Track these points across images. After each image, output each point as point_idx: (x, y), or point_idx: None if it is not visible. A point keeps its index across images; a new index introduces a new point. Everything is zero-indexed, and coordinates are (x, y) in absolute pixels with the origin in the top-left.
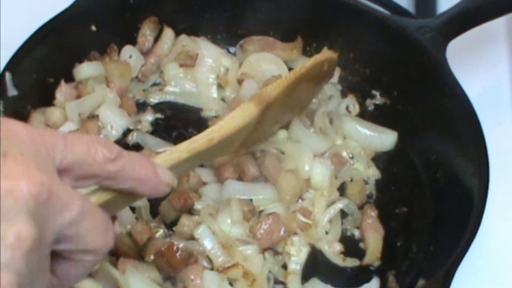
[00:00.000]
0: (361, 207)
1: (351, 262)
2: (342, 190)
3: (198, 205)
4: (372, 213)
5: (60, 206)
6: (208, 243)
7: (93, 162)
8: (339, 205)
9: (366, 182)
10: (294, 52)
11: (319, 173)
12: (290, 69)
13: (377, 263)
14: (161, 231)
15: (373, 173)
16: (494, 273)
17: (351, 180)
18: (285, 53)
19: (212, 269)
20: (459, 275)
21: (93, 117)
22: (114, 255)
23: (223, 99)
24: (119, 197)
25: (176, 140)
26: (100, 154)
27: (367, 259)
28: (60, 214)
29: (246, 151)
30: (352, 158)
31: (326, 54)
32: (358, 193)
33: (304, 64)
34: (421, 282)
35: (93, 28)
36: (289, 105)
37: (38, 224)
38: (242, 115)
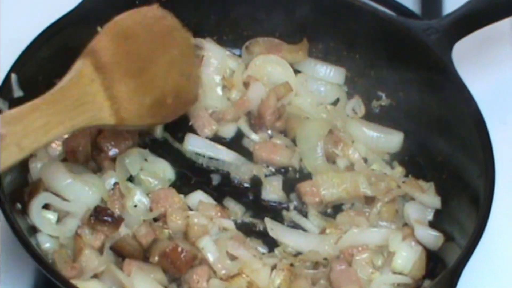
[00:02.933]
0: None
1: None
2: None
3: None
4: None
5: None
6: (211, 256)
7: None
8: None
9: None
10: (300, 54)
11: (404, 256)
12: (296, 71)
13: None
14: (165, 233)
15: (398, 171)
16: (500, 273)
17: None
18: (291, 55)
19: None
20: (466, 275)
21: None
22: (120, 256)
23: (228, 100)
24: None
25: (182, 140)
26: None
27: None
28: None
29: (132, 123)
30: (366, 162)
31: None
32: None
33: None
34: (427, 282)
35: (99, 29)
36: (144, 67)
37: None
38: (72, 69)
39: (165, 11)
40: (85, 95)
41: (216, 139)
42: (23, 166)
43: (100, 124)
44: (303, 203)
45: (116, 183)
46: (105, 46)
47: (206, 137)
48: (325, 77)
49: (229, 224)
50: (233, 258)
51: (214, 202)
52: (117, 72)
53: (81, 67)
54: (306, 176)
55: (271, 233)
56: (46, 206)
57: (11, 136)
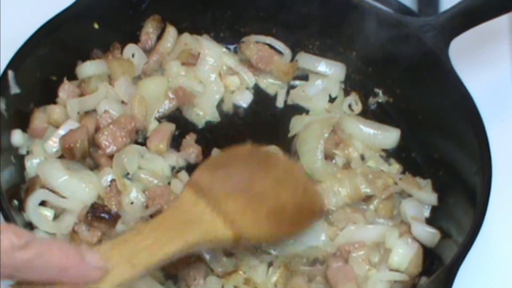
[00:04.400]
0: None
1: None
2: None
3: None
4: None
5: None
6: (207, 253)
7: None
8: None
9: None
10: (287, 76)
11: (401, 254)
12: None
13: None
14: None
15: (395, 167)
16: (496, 271)
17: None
18: (278, 72)
19: (212, 270)
20: (462, 273)
21: (90, 112)
22: None
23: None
24: None
25: (179, 137)
26: (6, 241)
27: None
28: None
29: (256, 242)
30: (363, 159)
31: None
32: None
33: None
34: (424, 279)
35: (96, 26)
36: (248, 183)
37: None
38: (177, 198)
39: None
40: (191, 215)
41: None
42: (19, 163)
43: (217, 240)
44: None
45: (112, 180)
46: (202, 176)
47: None
48: (325, 73)
49: None
50: (229, 255)
51: None
52: (220, 193)
53: (182, 195)
54: None
55: None
56: (42, 203)
57: (117, 256)
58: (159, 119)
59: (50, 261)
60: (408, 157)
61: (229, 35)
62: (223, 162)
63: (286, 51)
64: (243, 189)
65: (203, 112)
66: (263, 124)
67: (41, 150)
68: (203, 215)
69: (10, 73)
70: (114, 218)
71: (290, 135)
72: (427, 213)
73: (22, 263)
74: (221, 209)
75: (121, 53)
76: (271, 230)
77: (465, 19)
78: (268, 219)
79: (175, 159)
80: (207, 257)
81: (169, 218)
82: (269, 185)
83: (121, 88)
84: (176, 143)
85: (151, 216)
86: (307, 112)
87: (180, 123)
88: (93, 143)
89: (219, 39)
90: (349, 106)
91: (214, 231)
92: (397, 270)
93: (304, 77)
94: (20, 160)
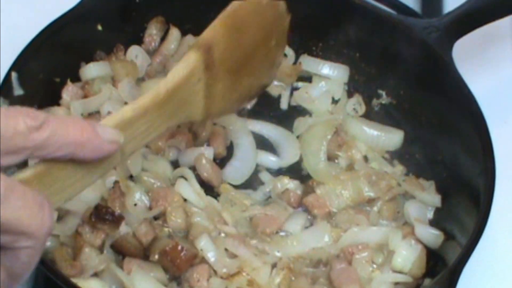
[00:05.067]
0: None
1: None
2: None
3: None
4: None
5: None
6: (211, 256)
7: (14, 133)
8: None
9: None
10: (290, 78)
11: (404, 255)
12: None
13: None
14: (166, 231)
15: (399, 169)
16: (500, 272)
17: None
18: (281, 75)
19: (215, 272)
20: (465, 274)
21: (94, 113)
22: (120, 255)
23: None
24: (63, 169)
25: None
26: (22, 124)
27: None
28: None
29: (214, 120)
30: (366, 160)
31: None
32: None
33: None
34: (427, 281)
35: (99, 27)
36: (244, 63)
37: None
38: (184, 64)
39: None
40: (190, 95)
41: None
42: (23, 164)
43: (187, 121)
44: (313, 215)
45: (116, 182)
46: (219, 40)
47: None
48: (329, 75)
49: (231, 230)
50: (233, 256)
51: (218, 207)
52: (221, 69)
53: (194, 63)
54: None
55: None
56: None
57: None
58: None
59: (66, 137)
60: (412, 158)
61: None
62: (244, 20)
63: (290, 52)
64: (239, 66)
65: None
66: None
67: None
68: (196, 96)
69: (14, 75)
70: (117, 220)
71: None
72: (430, 215)
73: (39, 143)
74: (210, 91)
75: (125, 54)
76: (228, 111)
77: (468, 21)
78: (234, 103)
79: (170, 154)
80: (211, 258)
81: (174, 94)
82: (258, 62)
83: (125, 89)
84: None
85: (155, 218)
86: (310, 114)
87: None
88: None
89: None
90: (353, 107)
91: (192, 115)
92: (400, 272)
93: (308, 78)
94: (23, 162)
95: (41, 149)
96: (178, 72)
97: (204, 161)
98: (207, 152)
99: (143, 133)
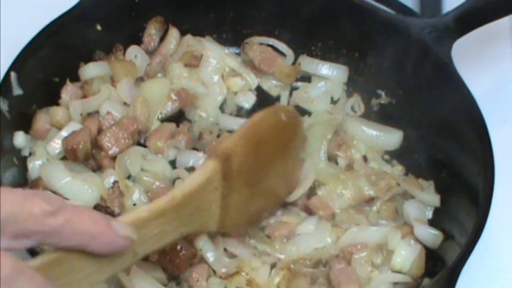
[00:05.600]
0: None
1: None
2: None
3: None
4: None
5: None
6: (210, 255)
7: (28, 216)
8: None
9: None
10: (290, 78)
11: (403, 255)
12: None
13: None
14: None
15: (398, 169)
16: (499, 273)
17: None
18: (281, 75)
19: (214, 272)
20: (464, 274)
21: (93, 113)
22: None
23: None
24: (74, 261)
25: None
26: (37, 207)
27: None
28: None
29: (231, 231)
30: (366, 160)
31: (277, 106)
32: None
33: (255, 114)
34: (426, 281)
35: (98, 27)
36: (261, 177)
37: None
38: (202, 170)
39: (295, 112)
40: (205, 203)
41: None
42: (22, 164)
43: (200, 231)
44: (319, 217)
45: (115, 182)
46: (238, 152)
47: None
48: (328, 76)
49: None
50: (232, 256)
51: None
52: (239, 181)
53: (212, 171)
54: None
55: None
56: None
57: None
58: (162, 121)
59: (80, 227)
60: (411, 158)
61: (231, 36)
62: (262, 133)
63: (289, 52)
64: (257, 179)
65: (206, 114)
66: None
67: (44, 152)
68: (211, 206)
69: (13, 75)
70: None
71: None
72: (429, 215)
73: (52, 229)
74: (227, 202)
75: (124, 54)
76: (241, 228)
77: (467, 21)
78: (249, 218)
79: (170, 154)
80: (210, 258)
81: (190, 199)
82: (275, 177)
83: (124, 89)
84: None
85: None
86: (309, 114)
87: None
88: (96, 145)
89: (222, 41)
90: (352, 107)
91: (207, 224)
92: (399, 272)
93: (307, 78)
94: (22, 162)
95: (54, 236)
96: (195, 177)
97: None
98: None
99: (156, 236)
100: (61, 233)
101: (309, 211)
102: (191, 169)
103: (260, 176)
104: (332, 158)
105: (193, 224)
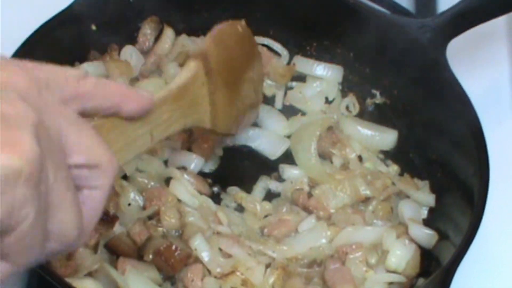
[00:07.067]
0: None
1: None
2: None
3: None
4: None
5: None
6: (205, 255)
7: (65, 80)
8: None
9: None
10: (284, 78)
11: (398, 255)
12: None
13: None
14: (160, 231)
15: (393, 169)
16: (494, 272)
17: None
18: (275, 75)
19: (209, 272)
20: (459, 274)
21: None
22: (114, 254)
23: None
24: (109, 129)
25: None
26: (69, 72)
27: None
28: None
29: (223, 132)
30: (361, 160)
31: (232, 21)
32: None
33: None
34: (421, 280)
35: (93, 27)
36: (236, 79)
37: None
38: (188, 68)
39: (248, 29)
40: (197, 96)
41: None
42: None
43: (201, 127)
44: (318, 217)
45: None
46: (212, 52)
47: None
48: (323, 76)
49: (225, 229)
50: (227, 256)
51: (213, 207)
52: (219, 79)
53: (195, 67)
54: None
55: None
56: None
57: (146, 126)
58: None
59: (110, 87)
60: (406, 158)
61: None
62: (228, 39)
63: (284, 52)
64: (233, 81)
65: None
66: None
67: None
68: (203, 100)
69: None
70: (111, 220)
71: (286, 135)
72: (424, 214)
73: (87, 91)
74: (214, 99)
75: (119, 54)
76: (232, 131)
77: (463, 20)
78: (234, 121)
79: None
80: (205, 258)
81: (184, 92)
82: (246, 84)
83: None
84: None
85: (149, 218)
86: (304, 114)
87: None
88: None
89: None
90: (347, 107)
91: (204, 120)
92: (394, 272)
93: (302, 78)
94: None
95: (90, 99)
96: (185, 74)
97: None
98: (196, 162)
99: (166, 122)
100: (96, 94)
101: (309, 211)
102: (182, 169)
103: (235, 78)
104: (327, 156)
105: (192, 116)
